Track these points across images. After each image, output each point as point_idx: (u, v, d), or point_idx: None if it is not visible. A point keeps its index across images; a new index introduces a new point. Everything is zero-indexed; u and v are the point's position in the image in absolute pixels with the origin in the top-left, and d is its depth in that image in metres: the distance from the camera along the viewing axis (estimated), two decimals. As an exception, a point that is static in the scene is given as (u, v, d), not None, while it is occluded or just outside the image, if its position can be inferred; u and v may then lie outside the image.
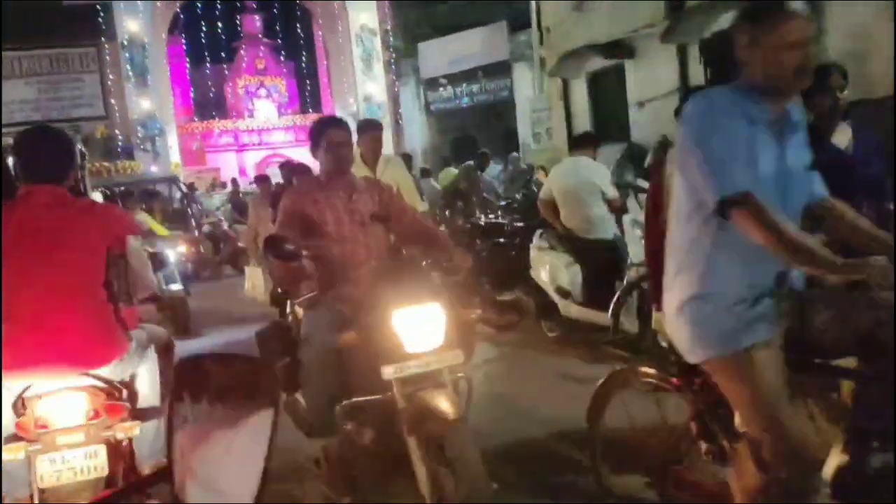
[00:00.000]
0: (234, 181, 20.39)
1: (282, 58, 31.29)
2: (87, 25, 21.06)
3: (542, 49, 18.72)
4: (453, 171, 11.70)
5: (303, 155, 26.26)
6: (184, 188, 11.91)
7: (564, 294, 6.05)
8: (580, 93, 12.41)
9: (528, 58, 19.86)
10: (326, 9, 23.92)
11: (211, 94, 30.32)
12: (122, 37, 20.13)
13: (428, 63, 22.12)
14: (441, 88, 21.96)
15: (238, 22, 31.19)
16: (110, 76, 20.58)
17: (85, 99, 21.13)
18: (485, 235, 7.65)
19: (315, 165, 3.83)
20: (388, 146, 22.45)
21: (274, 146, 29.95)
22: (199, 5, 25.65)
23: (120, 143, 20.35)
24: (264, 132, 30.10)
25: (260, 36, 31.62)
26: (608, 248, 6.11)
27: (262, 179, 8.71)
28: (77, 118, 21.04)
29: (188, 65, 30.03)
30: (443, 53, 21.65)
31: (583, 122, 12.58)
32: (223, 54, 30.29)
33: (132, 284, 3.09)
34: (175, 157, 21.64)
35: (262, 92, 31.22)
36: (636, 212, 5.82)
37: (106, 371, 2.64)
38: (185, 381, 2.14)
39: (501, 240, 7.27)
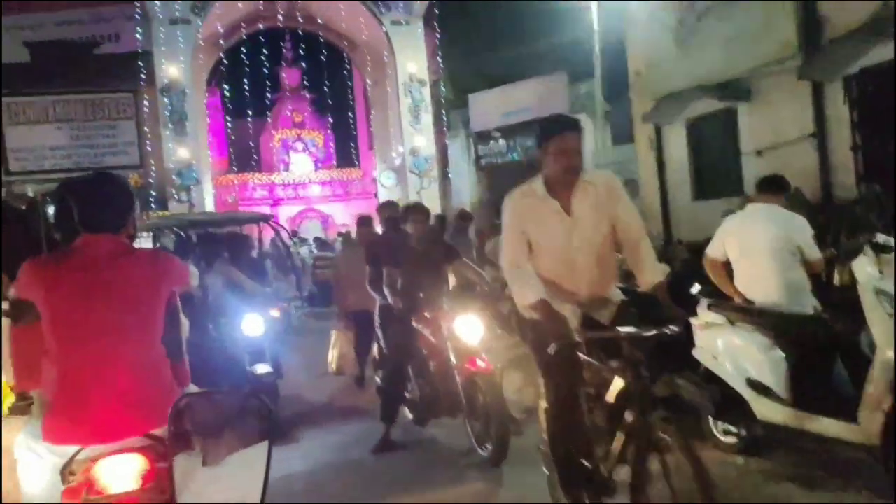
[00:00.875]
0: (275, 236, 19.10)
1: (320, 110, 30.40)
2: (125, 70, 20.17)
3: (615, 97, 17.48)
4: None
5: (338, 210, 25.06)
6: (286, 232, 9.49)
7: (761, 389, 4.45)
8: (677, 141, 10.96)
9: (590, 109, 18.62)
10: (374, 59, 22.99)
11: (249, 146, 29.48)
12: (162, 82, 19.13)
13: (479, 115, 20.91)
14: (492, 141, 20.69)
15: (277, 73, 30.50)
16: (147, 123, 19.57)
17: (119, 146, 20.07)
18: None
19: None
20: (434, 201, 21.12)
21: (310, 201, 29.08)
22: (244, 53, 24.68)
23: (153, 194, 19.17)
24: (300, 186, 29.20)
25: (300, 89, 30.91)
26: (818, 328, 4.54)
27: (364, 222, 6.81)
28: (110, 166, 19.94)
29: (225, 115, 29.24)
30: (495, 105, 20.46)
31: (679, 174, 11.12)
32: (260, 106, 29.43)
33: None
34: (210, 209, 20.43)
35: (299, 145, 30.36)
36: (875, 278, 4.21)
37: (162, 431, 2.46)
38: (178, 419, 2.34)
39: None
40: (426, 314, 4.60)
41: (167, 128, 19.13)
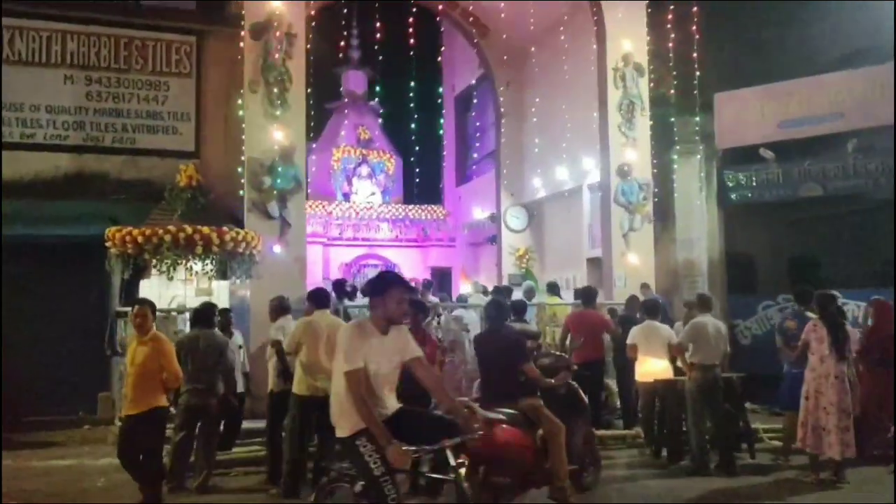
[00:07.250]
0: (338, 284, 10.67)
1: (393, 127, 22.67)
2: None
3: None
4: None
5: (409, 259, 17.56)
6: None
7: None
8: None
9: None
10: (523, 40, 15.56)
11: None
12: (254, 19, 11.25)
13: (732, 124, 13.57)
14: (755, 167, 13.30)
15: (337, 73, 22.90)
16: (215, 86, 11.57)
17: (165, 119, 11.97)
18: None
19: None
20: (646, 252, 13.39)
21: (371, 243, 21.52)
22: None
23: (227, 202, 11.05)
24: (362, 224, 21.54)
25: (367, 96, 23.35)
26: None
27: None
28: (146, 150, 11.79)
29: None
30: (764, 109, 13.19)
31: None
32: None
33: None
34: (302, 235, 12.21)
35: (364, 170, 22.61)
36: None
37: None
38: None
39: None
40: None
41: (257, 91, 11.11)
